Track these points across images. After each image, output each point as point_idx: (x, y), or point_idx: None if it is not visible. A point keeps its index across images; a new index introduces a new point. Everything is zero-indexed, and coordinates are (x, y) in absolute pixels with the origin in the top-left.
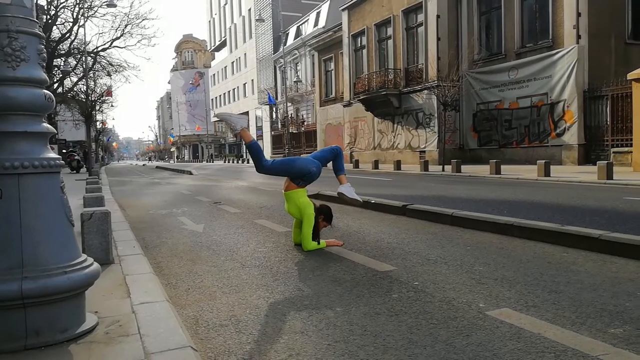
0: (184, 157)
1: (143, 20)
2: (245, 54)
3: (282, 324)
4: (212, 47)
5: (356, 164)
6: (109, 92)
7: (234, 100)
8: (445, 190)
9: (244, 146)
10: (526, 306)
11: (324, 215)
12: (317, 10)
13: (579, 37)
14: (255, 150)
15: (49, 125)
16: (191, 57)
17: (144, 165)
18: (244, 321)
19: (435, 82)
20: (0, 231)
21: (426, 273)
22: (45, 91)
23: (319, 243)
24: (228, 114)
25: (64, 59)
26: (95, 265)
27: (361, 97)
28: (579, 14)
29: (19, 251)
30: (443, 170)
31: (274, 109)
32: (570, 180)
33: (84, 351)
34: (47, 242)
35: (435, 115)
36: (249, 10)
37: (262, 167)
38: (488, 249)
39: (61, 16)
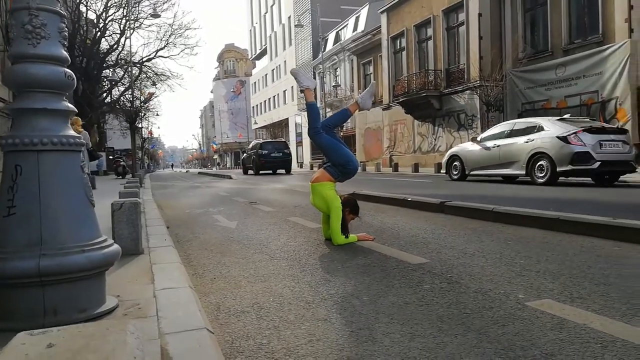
0: (225, 164)
1: (186, 30)
2: (285, 61)
3: (305, 312)
4: (253, 56)
5: (395, 168)
6: (149, 96)
7: (274, 107)
8: (487, 190)
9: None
10: (571, 297)
11: (349, 208)
12: (357, 15)
13: (631, 30)
14: (311, 112)
15: (69, 104)
16: (233, 66)
17: (187, 171)
18: (266, 308)
19: (478, 82)
20: (19, 208)
21: (462, 266)
22: (66, 69)
23: (347, 237)
24: (301, 72)
25: (112, 70)
26: (116, 246)
27: (401, 100)
28: (631, 7)
29: (38, 228)
30: None
31: None
32: (624, 179)
33: None
34: (66, 220)
35: (478, 116)
36: (289, 17)
37: (314, 133)
38: (531, 243)
39: (109, 28)
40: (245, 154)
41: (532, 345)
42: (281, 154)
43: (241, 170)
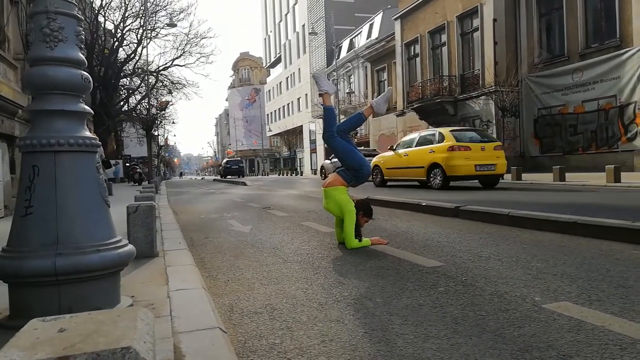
0: None
1: (202, 39)
2: (299, 69)
3: (318, 313)
4: (268, 64)
5: None
6: (165, 104)
7: (289, 114)
8: (503, 196)
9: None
10: (589, 300)
11: (363, 211)
12: (370, 22)
13: None
14: (327, 116)
15: (85, 106)
16: (247, 74)
17: (202, 178)
18: (279, 309)
19: (493, 87)
20: (36, 208)
21: (477, 269)
22: (83, 72)
23: (360, 240)
24: (322, 76)
25: (129, 79)
26: (130, 246)
27: (415, 106)
28: None
29: (54, 228)
30: (502, 178)
31: None
32: None
33: None
34: (82, 220)
35: (494, 121)
36: (303, 25)
37: (329, 136)
38: (547, 247)
39: (127, 38)
40: (221, 167)
41: (549, 347)
42: (237, 166)
43: (256, 176)
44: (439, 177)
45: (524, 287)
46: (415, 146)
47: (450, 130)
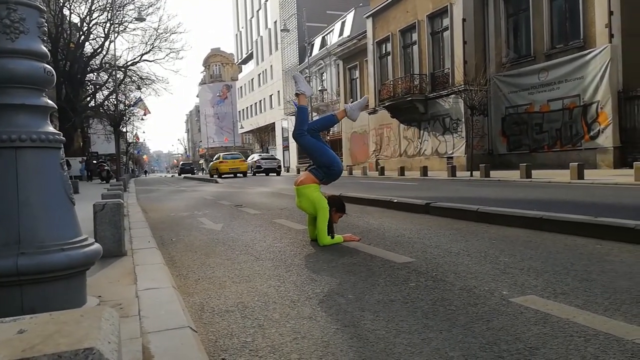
0: None
1: (171, 34)
2: (271, 65)
3: (290, 310)
4: (239, 60)
5: (382, 171)
6: (144, 109)
7: (261, 111)
8: (472, 192)
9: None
10: (554, 293)
11: (336, 207)
12: (342, 20)
13: (611, 36)
14: (299, 115)
15: (49, 100)
16: (219, 70)
17: (172, 176)
18: (250, 307)
19: (462, 86)
20: None
21: (447, 264)
22: (46, 65)
23: (333, 237)
24: (302, 77)
25: (96, 74)
26: (97, 245)
27: (386, 104)
28: (611, 13)
29: (16, 226)
30: (471, 175)
31: None
32: (606, 182)
33: None
34: (45, 218)
35: (463, 120)
36: (275, 22)
37: (298, 134)
38: (515, 242)
39: (93, 32)
40: (178, 167)
41: (516, 340)
42: (189, 167)
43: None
44: (218, 174)
45: (492, 282)
46: (217, 160)
47: (222, 154)
